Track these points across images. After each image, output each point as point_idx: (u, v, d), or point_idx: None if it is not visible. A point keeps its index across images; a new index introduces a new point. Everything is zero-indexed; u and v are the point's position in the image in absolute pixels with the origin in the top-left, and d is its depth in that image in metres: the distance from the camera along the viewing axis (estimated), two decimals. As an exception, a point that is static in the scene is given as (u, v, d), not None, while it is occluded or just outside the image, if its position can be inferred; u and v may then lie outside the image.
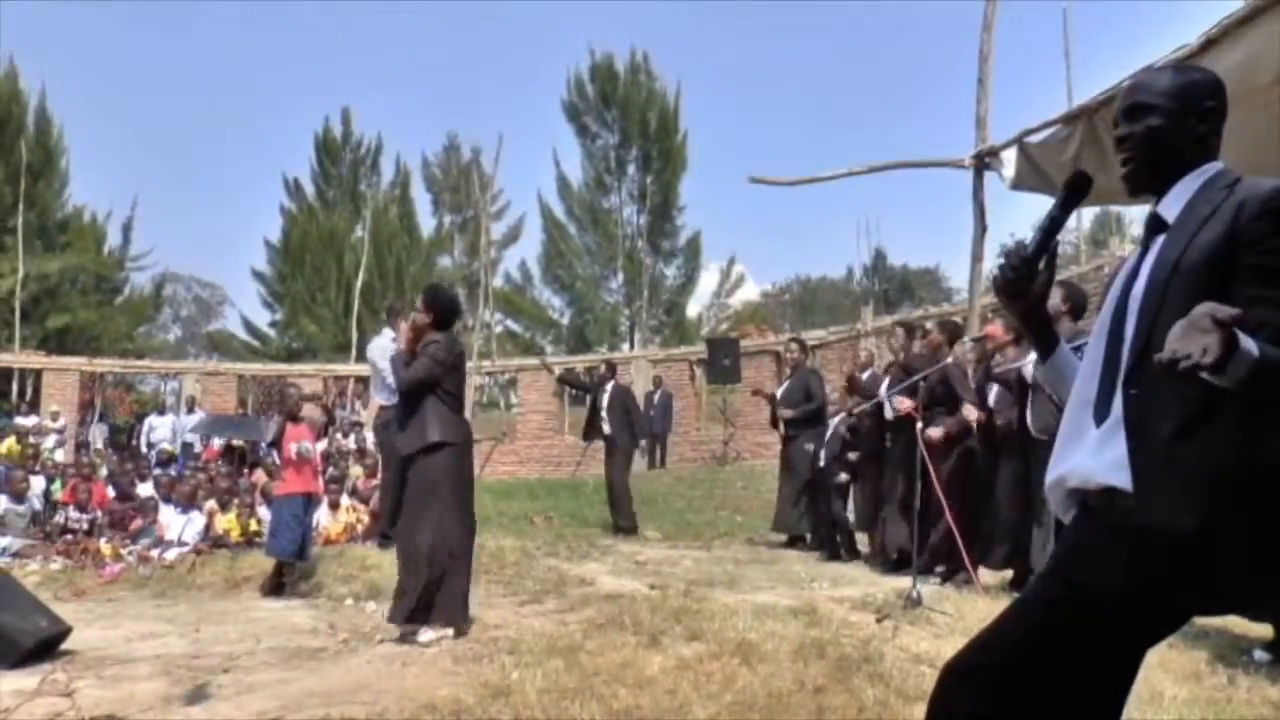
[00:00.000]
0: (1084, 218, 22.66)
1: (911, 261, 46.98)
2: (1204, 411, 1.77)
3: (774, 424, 10.37)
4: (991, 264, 8.41)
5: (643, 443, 11.31)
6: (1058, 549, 2.10)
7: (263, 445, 16.13)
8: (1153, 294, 1.93)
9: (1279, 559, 1.78)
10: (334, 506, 10.01)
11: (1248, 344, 1.58)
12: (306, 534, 7.84)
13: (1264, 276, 1.81)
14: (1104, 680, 1.99)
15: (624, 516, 11.03)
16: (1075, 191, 2.13)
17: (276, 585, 7.62)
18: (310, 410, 8.14)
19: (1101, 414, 1.96)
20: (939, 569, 7.24)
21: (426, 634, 5.50)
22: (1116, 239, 22.05)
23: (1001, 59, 9.39)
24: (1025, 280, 2.10)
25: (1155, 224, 2.06)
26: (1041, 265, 2.10)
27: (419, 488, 5.77)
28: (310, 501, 8.00)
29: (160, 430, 20.01)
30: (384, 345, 8.43)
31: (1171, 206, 2.03)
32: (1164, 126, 2.04)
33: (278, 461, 8.76)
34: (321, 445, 9.15)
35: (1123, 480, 1.86)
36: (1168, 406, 1.82)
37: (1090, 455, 1.96)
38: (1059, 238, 2.14)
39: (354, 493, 11.08)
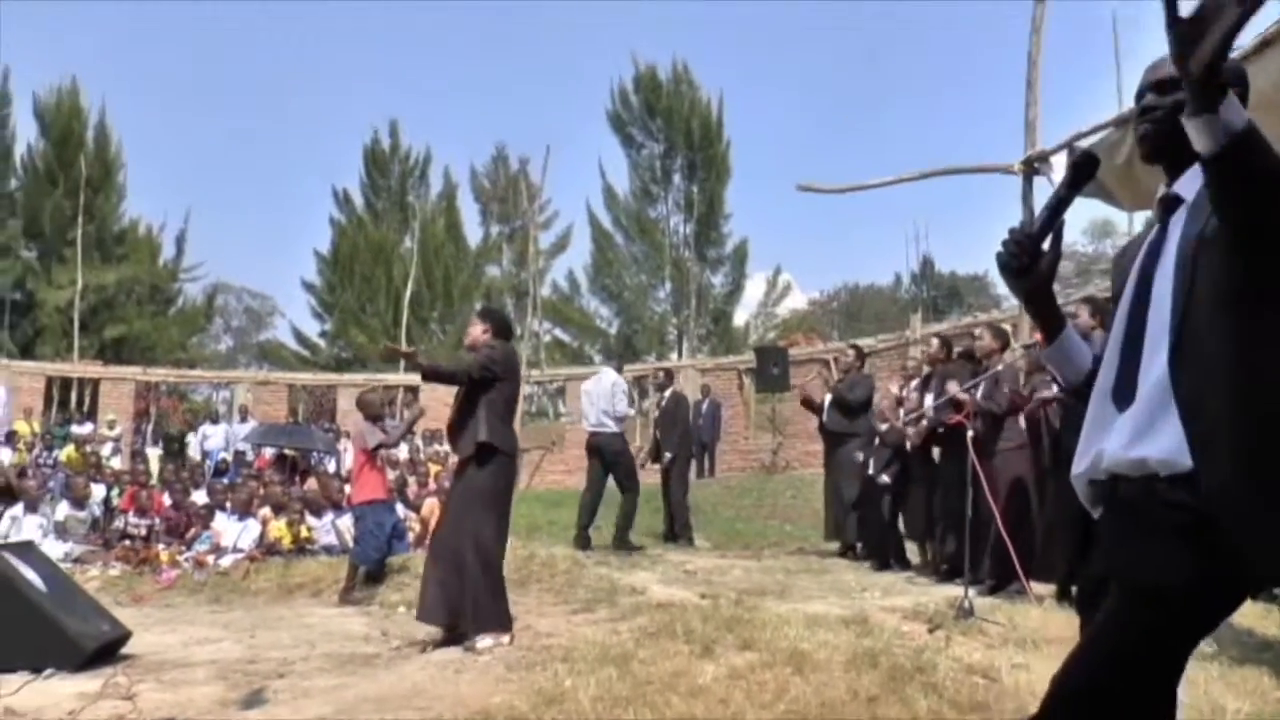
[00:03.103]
0: (1135, 221, 22.29)
1: (960, 268, 46.42)
2: (1252, 383, 1.77)
3: (821, 430, 10.33)
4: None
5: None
6: (1115, 549, 2.03)
7: (320, 454, 16.35)
8: (1184, 268, 1.91)
9: None
10: (386, 514, 10.11)
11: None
12: (389, 538, 8.06)
13: None
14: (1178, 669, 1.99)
15: (678, 525, 11.03)
16: (1082, 171, 2.14)
17: (349, 589, 7.79)
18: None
19: (1123, 397, 1.96)
20: (990, 579, 7.17)
21: (484, 640, 5.54)
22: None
23: (1051, 62, 9.29)
24: (1030, 257, 2.10)
25: (1172, 203, 2.05)
26: (1046, 244, 2.10)
27: (481, 496, 5.81)
28: (388, 506, 8.24)
29: (214, 439, 20.30)
30: (612, 380, 10.50)
31: (1188, 186, 2.02)
32: None
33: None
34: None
35: (1173, 459, 1.85)
36: (1216, 382, 1.81)
37: (1123, 440, 1.94)
38: (1065, 218, 2.14)
39: (406, 502, 11.18)
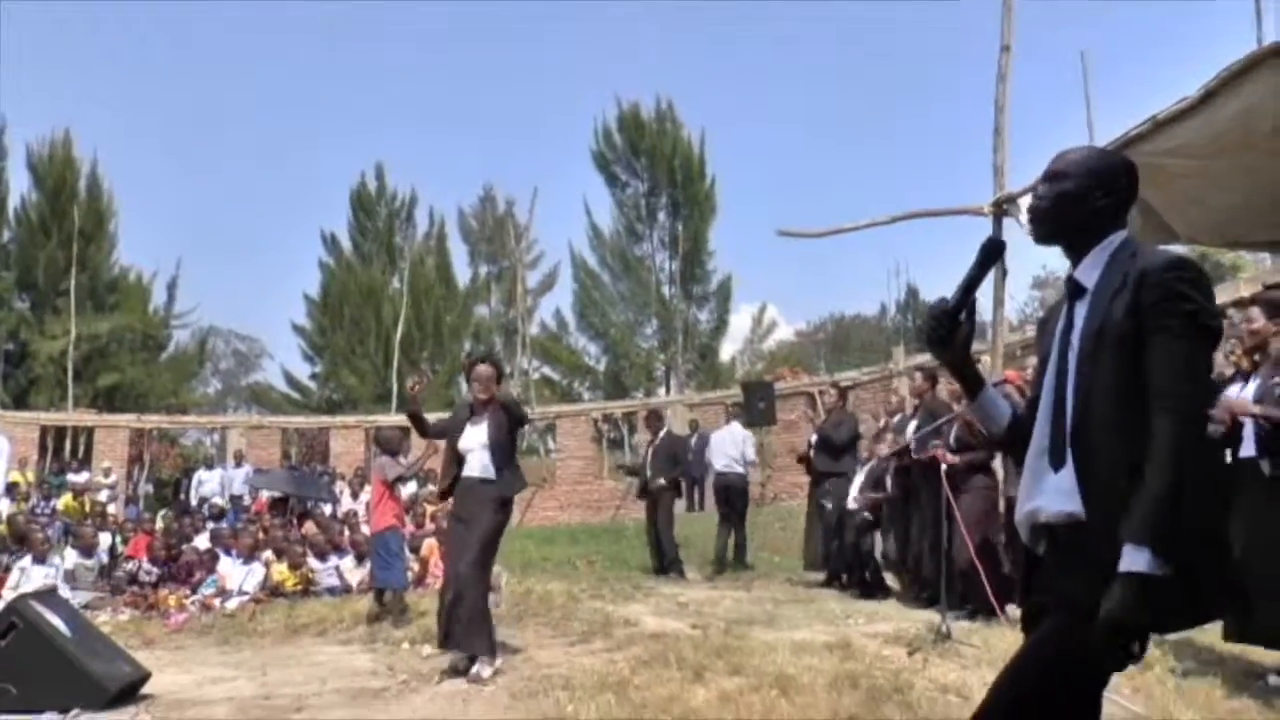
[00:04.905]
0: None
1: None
2: (1129, 468, 2.13)
3: (808, 469, 10.70)
4: (1011, 307, 8.76)
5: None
6: (1055, 579, 2.35)
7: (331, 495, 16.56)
8: (1084, 363, 2.28)
9: (1205, 579, 2.12)
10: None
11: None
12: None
13: (1159, 351, 2.16)
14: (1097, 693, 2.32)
15: (667, 559, 11.44)
16: (990, 253, 2.48)
17: (380, 614, 8.17)
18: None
19: (1056, 461, 2.30)
20: (969, 605, 7.49)
21: (485, 670, 5.89)
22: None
23: (1024, 103, 9.72)
24: (948, 331, 2.45)
25: (1075, 288, 2.40)
26: (962, 318, 2.45)
27: (495, 531, 6.34)
28: (401, 534, 8.76)
29: (210, 484, 20.47)
30: (741, 433, 13.13)
31: (1088, 274, 2.37)
32: (1071, 192, 2.40)
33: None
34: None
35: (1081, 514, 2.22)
36: (1104, 462, 2.18)
37: (1054, 496, 2.29)
38: (977, 296, 2.47)
39: (403, 542, 11.45)
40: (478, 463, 6.44)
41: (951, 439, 7.65)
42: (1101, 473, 2.19)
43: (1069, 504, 2.25)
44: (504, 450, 6.49)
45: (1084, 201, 2.40)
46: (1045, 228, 2.48)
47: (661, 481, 11.54)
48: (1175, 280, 2.19)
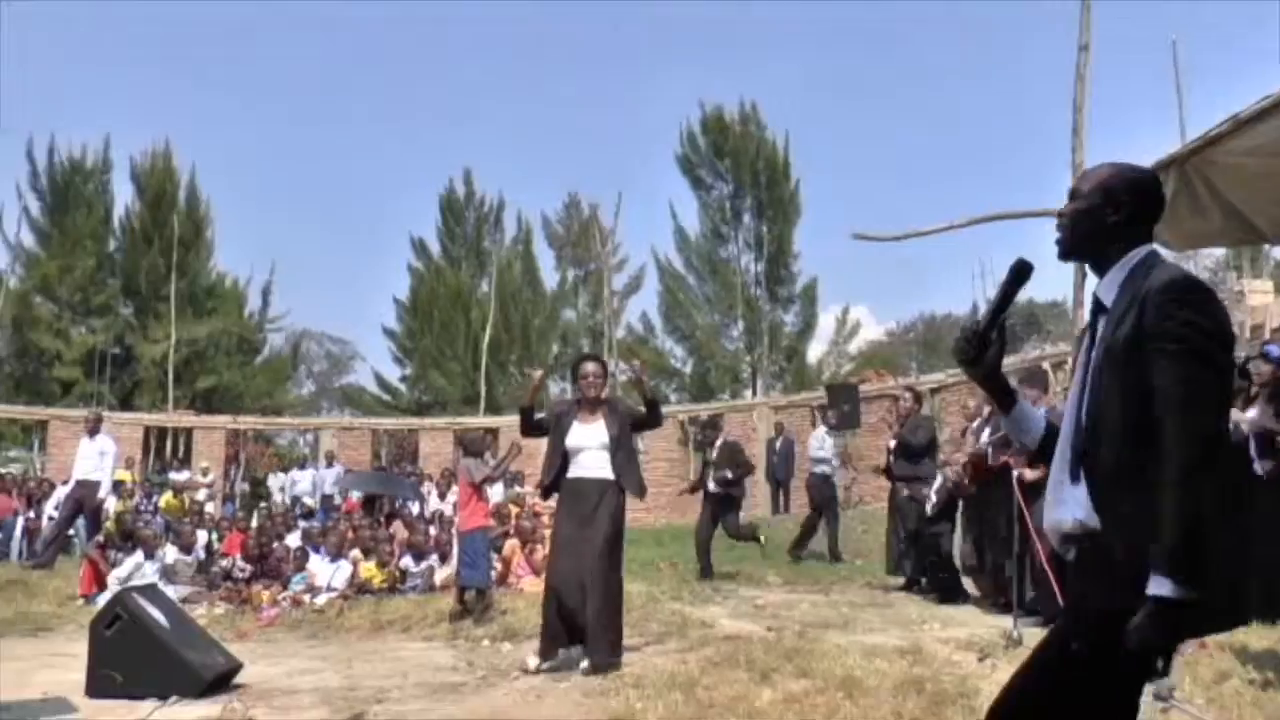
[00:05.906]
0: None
1: (1037, 295, 45.41)
2: (1135, 480, 2.19)
3: (888, 475, 10.69)
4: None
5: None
6: (1073, 584, 2.47)
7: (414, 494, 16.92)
8: (1096, 378, 2.33)
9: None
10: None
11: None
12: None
13: (1159, 375, 2.18)
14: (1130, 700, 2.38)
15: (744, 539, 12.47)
16: (1020, 275, 2.50)
17: (463, 613, 8.39)
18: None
19: (1073, 473, 2.36)
20: (1042, 611, 7.44)
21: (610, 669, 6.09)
22: (1234, 273, 21.57)
23: (1112, 97, 9.60)
24: (978, 349, 2.51)
25: (1097, 305, 2.44)
26: (993, 337, 2.50)
27: (621, 530, 6.56)
28: (490, 532, 9.08)
29: (302, 484, 21.06)
30: (820, 437, 15.52)
31: (1107, 291, 2.40)
32: (1083, 210, 2.45)
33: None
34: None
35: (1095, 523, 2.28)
36: (1111, 475, 2.25)
37: (1072, 506, 2.35)
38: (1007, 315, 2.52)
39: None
40: (594, 462, 6.49)
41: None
42: (1109, 484, 2.25)
43: (1082, 514, 2.31)
44: (625, 449, 6.57)
45: (1095, 218, 2.43)
46: (1062, 245, 2.53)
47: (712, 486, 11.95)
48: (1169, 302, 2.21)
